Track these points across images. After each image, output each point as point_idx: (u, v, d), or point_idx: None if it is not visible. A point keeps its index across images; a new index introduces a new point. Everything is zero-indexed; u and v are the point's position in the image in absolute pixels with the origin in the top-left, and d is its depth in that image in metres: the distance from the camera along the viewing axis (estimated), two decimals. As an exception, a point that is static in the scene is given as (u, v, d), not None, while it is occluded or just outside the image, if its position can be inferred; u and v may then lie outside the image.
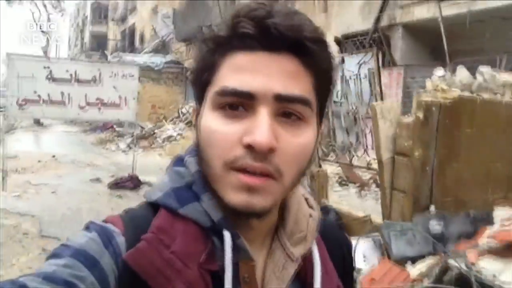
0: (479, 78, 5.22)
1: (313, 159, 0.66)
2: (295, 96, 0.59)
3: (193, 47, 21.65)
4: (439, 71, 5.33)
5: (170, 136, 15.42)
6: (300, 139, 0.61)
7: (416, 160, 4.43)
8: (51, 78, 8.90)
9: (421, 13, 8.72)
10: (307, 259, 0.69)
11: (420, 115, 4.38)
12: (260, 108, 0.58)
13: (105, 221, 0.64)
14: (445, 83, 4.91)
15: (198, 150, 0.65)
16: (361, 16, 10.14)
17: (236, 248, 0.61)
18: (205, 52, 0.64)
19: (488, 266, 2.37)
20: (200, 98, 0.66)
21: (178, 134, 15.23)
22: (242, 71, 0.59)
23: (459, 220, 3.81)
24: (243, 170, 0.58)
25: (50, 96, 8.89)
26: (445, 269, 2.84)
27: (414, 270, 3.12)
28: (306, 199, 0.74)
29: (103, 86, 9.04)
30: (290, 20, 0.59)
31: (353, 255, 0.85)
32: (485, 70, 5.28)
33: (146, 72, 22.03)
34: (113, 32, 39.14)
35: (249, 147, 0.57)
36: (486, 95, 5.04)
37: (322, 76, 0.63)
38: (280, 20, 0.58)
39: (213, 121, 0.60)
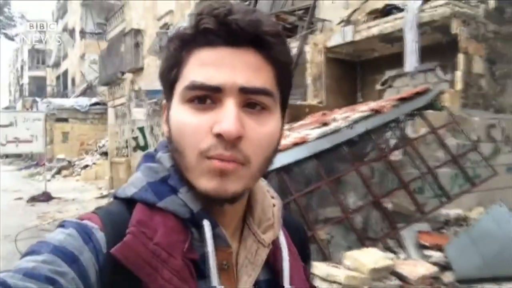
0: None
1: (278, 148, 0.68)
2: (258, 88, 0.61)
3: (113, 90, 24.08)
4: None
5: (87, 165, 18.33)
6: (265, 127, 0.62)
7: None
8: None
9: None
10: (273, 244, 0.71)
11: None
12: (227, 99, 0.60)
13: (80, 218, 0.63)
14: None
15: (170, 143, 0.65)
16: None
17: (214, 236, 0.62)
18: (172, 50, 0.64)
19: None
20: (168, 94, 0.66)
21: (93, 163, 18.14)
22: (207, 66, 0.60)
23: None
24: (216, 158, 0.59)
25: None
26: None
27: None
28: (268, 190, 0.76)
29: (18, 128, 12.44)
30: (249, 16, 0.60)
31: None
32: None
33: (74, 113, 24.92)
34: (50, 77, 40.53)
35: (219, 136, 0.58)
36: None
37: (282, 68, 0.65)
38: (240, 16, 0.60)
39: (183, 114, 0.61)
